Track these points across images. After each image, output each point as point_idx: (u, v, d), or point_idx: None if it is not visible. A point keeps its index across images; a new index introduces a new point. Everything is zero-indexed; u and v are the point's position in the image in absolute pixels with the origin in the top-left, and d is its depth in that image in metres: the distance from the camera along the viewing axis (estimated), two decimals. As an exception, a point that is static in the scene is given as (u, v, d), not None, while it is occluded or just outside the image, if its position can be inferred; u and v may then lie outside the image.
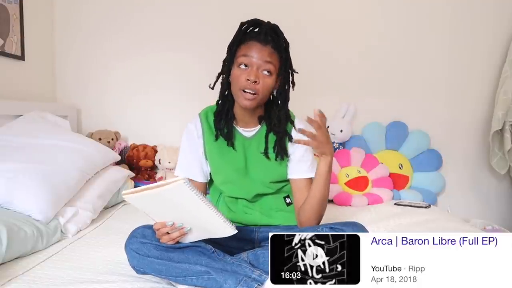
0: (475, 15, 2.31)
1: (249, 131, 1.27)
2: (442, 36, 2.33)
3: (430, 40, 2.34)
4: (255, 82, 1.13)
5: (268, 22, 1.20)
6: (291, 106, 1.33)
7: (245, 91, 1.14)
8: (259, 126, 1.27)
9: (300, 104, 1.32)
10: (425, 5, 2.32)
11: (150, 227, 1.07)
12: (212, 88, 1.24)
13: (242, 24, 1.19)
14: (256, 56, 1.13)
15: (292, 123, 1.26)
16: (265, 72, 1.14)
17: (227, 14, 1.25)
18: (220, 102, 1.25)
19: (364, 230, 1.08)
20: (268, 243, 1.23)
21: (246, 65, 1.14)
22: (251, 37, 1.16)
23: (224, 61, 1.22)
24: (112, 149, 2.22)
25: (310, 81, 2.35)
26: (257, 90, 1.14)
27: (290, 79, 1.23)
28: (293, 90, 1.25)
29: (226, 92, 1.24)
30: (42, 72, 2.33)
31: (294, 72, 1.24)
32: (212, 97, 1.28)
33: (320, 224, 1.19)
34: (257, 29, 1.18)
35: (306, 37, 2.34)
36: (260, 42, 1.15)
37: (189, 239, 1.04)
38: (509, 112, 2.11)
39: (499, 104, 2.15)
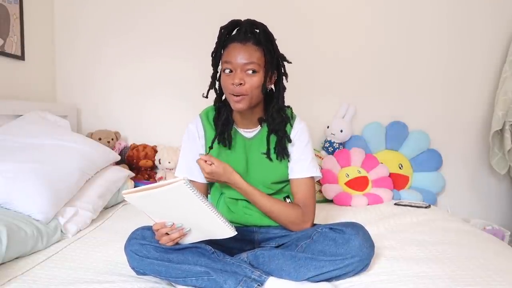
0: (475, 15, 2.30)
1: (249, 131, 1.27)
2: (442, 36, 2.33)
3: (430, 40, 2.34)
4: (240, 84, 1.13)
5: (247, 19, 1.18)
6: (292, 106, 1.33)
7: (233, 95, 1.15)
8: (259, 127, 1.27)
9: (300, 104, 1.32)
10: (425, 5, 2.32)
11: (149, 228, 1.07)
12: (206, 97, 1.24)
13: (221, 28, 1.19)
14: (237, 58, 1.13)
15: (290, 122, 1.26)
16: (250, 72, 1.13)
17: (227, 17, 1.24)
18: (216, 108, 1.26)
19: (364, 230, 1.08)
20: (268, 244, 1.24)
21: (230, 70, 1.14)
22: (231, 40, 1.16)
23: (212, 68, 1.22)
24: (112, 149, 2.22)
25: (310, 81, 2.36)
26: (244, 92, 1.13)
27: (282, 70, 1.23)
28: (287, 81, 1.24)
29: (222, 98, 1.24)
30: (42, 72, 2.33)
31: (286, 62, 1.23)
32: (212, 97, 1.28)
33: (320, 224, 1.19)
34: (236, 30, 1.18)
35: (306, 37, 2.34)
36: (240, 42, 1.14)
37: (188, 240, 1.04)
38: (509, 112, 2.11)
39: (499, 104, 2.15)
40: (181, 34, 2.38)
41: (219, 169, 1.15)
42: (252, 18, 1.20)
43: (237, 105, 1.16)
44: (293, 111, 1.32)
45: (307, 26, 2.35)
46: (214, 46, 1.21)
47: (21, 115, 1.87)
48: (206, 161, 1.15)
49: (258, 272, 1.01)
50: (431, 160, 2.29)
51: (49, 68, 2.40)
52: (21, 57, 2.10)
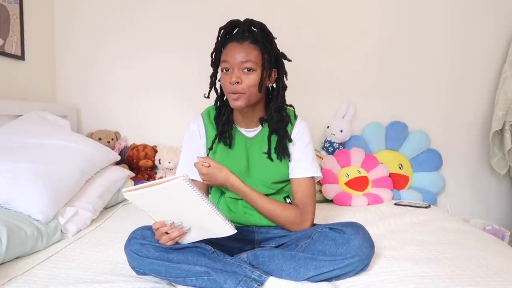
0: (475, 15, 2.30)
1: (250, 131, 1.27)
2: (442, 36, 2.33)
3: (430, 40, 2.34)
4: (237, 82, 1.13)
5: (246, 19, 1.19)
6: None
7: (231, 93, 1.15)
8: (260, 127, 1.27)
9: (300, 104, 1.32)
10: (425, 5, 2.32)
11: (149, 228, 1.07)
12: (208, 97, 1.25)
13: (220, 28, 1.20)
14: (234, 56, 1.14)
15: (291, 121, 1.26)
16: (246, 70, 1.14)
17: (228, 16, 1.25)
18: (217, 107, 1.26)
19: (363, 230, 1.08)
20: (268, 244, 1.24)
21: (227, 69, 1.15)
22: (229, 40, 1.17)
23: (212, 67, 1.23)
24: (112, 149, 2.22)
25: (311, 81, 2.36)
26: (241, 90, 1.14)
27: (281, 68, 1.23)
28: (287, 79, 1.25)
29: (224, 98, 1.25)
30: (42, 72, 2.33)
31: (286, 59, 1.24)
32: (212, 98, 1.28)
33: (320, 224, 1.19)
34: (235, 30, 1.19)
35: (306, 37, 2.34)
36: (237, 41, 1.15)
37: (188, 240, 1.04)
38: (509, 112, 2.11)
39: (499, 104, 2.15)
40: (181, 34, 2.38)
41: (214, 170, 1.15)
42: (251, 17, 1.20)
43: (235, 103, 1.16)
44: (293, 111, 1.32)
45: (307, 26, 2.35)
46: (214, 46, 1.21)
47: (21, 115, 1.87)
48: (203, 164, 1.16)
49: (258, 272, 1.01)
50: (431, 160, 2.29)
51: (49, 68, 2.40)
52: (21, 57, 2.10)
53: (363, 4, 2.35)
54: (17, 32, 2.05)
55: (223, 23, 1.21)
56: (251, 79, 1.14)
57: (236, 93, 1.15)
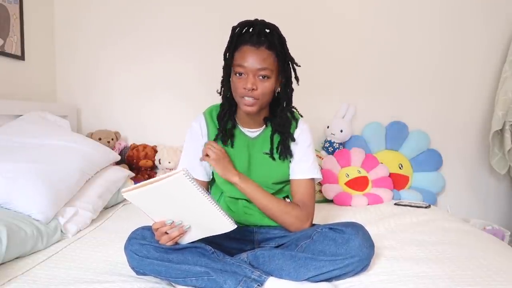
0: (475, 15, 2.31)
1: (253, 131, 1.27)
2: (442, 36, 2.33)
3: (430, 40, 2.34)
4: (253, 89, 1.13)
5: (261, 21, 1.18)
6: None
7: (245, 99, 1.15)
8: (263, 127, 1.27)
9: (300, 104, 1.32)
10: (425, 5, 2.32)
11: (149, 228, 1.07)
12: (220, 94, 1.24)
13: (234, 28, 1.19)
14: (250, 62, 1.12)
15: (295, 121, 1.27)
16: (262, 77, 1.13)
17: (227, 17, 1.25)
18: (223, 105, 1.26)
19: (363, 230, 1.08)
20: (267, 244, 1.24)
21: (242, 73, 1.14)
22: (244, 41, 1.15)
23: (223, 68, 1.22)
24: (112, 149, 2.22)
25: (311, 81, 2.34)
26: (256, 96, 1.13)
27: (293, 75, 1.22)
28: (298, 85, 1.24)
29: (228, 95, 1.24)
30: (42, 72, 2.33)
31: (296, 65, 1.23)
32: (212, 98, 1.28)
33: (320, 224, 1.19)
34: (249, 31, 1.17)
35: (306, 37, 2.34)
36: (253, 45, 1.13)
37: (188, 239, 1.04)
38: (509, 112, 2.11)
39: (499, 104, 2.15)
40: (181, 34, 2.38)
41: (222, 154, 1.18)
42: (251, 18, 1.19)
43: (247, 108, 1.16)
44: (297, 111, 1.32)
45: (307, 26, 2.35)
46: (226, 45, 1.19)
47: (21, 115, 1.87)
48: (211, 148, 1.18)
49: (258, 272, 1.01)
50: (431, 160, 2.29)
51: (49, 68, 2.40)
52: (21, 57, 2.09)
53: (363, 4, 2.35)
54: (17, 32, 2.05)
55: (222, 25, 1.20)
56: (266, 87, 1.14)
57: (250, 99, 1.14)
